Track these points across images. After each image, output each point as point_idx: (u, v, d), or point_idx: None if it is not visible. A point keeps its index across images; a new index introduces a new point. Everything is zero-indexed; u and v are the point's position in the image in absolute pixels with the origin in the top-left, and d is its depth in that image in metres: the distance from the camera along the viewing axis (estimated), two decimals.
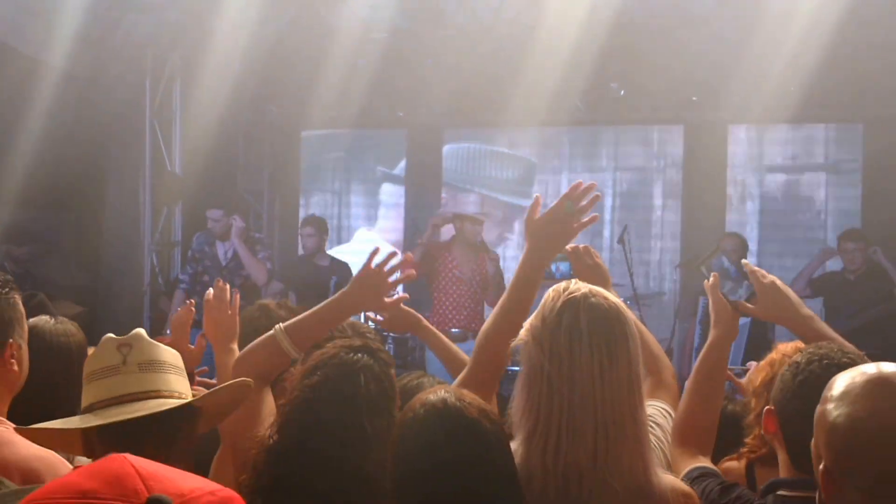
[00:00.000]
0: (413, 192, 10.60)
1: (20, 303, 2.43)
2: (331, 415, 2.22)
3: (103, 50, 8.12)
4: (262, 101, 9.49)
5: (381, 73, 8.42)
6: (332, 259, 8.53)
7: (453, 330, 7.67)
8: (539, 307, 2.13)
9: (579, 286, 2.11)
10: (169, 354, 2.20)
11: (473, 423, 1.98)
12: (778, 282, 2.66)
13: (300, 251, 9.23)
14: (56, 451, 2.34)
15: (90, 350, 2.87)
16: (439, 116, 9.64)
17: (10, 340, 2.36)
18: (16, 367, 2.36)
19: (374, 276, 2.70)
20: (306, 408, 2.27)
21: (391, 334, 10.07)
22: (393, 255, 2.74)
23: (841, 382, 1.72)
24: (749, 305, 2.68)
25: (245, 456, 2.35)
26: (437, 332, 3.24)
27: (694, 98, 8.62)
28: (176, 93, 9.19)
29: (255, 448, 2.33)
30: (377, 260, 2.71)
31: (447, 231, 8.39)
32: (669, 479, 2.13)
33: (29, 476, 2.17)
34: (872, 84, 8.12)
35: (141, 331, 2.20)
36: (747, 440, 2.96)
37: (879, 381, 1.68)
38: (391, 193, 11.12)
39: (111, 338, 2.16)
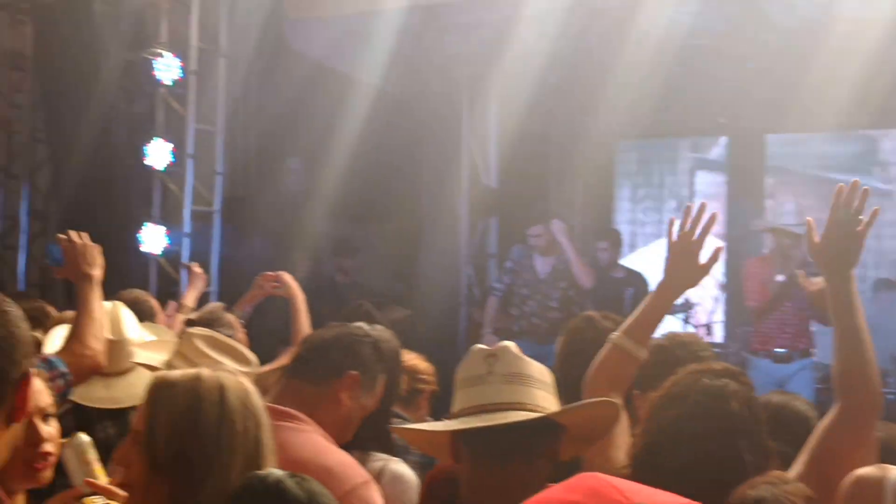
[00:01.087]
0: (734, 203, 10.16)
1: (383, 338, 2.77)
2: (709, 445, 2.14)
3: (419, 68, 8.46)
4: (576, 112, 9.50)
5: (701, 78, 8.16)
6: (628, 271, 8.48)
7: (776, 350, 7.23)
8: None
9: None
10: (535, 369, 2.22)
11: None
12: None
13: None
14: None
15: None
16: (761, 121, 9.21)
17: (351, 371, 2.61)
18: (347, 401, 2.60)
19: (681, 245, 2.67)
20: (680, 438, 2.19)
21: None
22: (688, 212, 2.70)
23: None
24: None
25: None
26: None
27: None
28: (491, 107, 9.40)
29: None
30: (676, 227, 2.68)
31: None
32: None
33: (321, 476, 2.25)
34: None
35: (510, 343, 2.25)
36: None
37: None
38: (708, 183, 10.72)
39: (480, 348, 2.24)
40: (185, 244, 7.79)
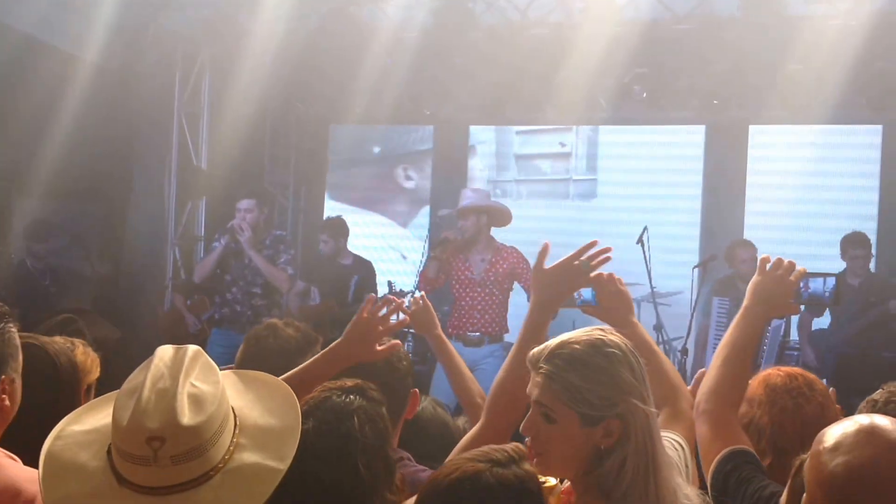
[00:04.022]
0: (438, 189, 10.89)
1: (16, 335, 2.37)
2: (326, 464, 2.21)
3: (135, 44, 8.22)
4: (291, 95, 9.66)
5: (409, 71, 8.54)
6: (356, 258, 8.54)
7: (470, 333, 7.45)
8: None
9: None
10: (207, 421, 1.95)
11: None
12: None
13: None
14: None
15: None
16: (466, 114, 9.80)
17: (3, 376, 2.31)
18: (7, 403, 2.31)
19: (363, 326, 2.84)
20: (305, 453, 2.12)
21: (411, 331, 9.95)
22: (386, 301, 2.90)
23: (833, 433, 1.82)
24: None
25: None
26: (448, 343, 3.47)
27: (715, 101, 8.62)
28: (204, 88, 9.44)
29: None
30: (369, 310, 2.85)
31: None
32: None
33: (23, 497, 2.21)
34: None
35: (177, 414, 1.91)
36: None
37: (871, 431, 1.79)
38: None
39: (139, 425, 1.89)
40: None
